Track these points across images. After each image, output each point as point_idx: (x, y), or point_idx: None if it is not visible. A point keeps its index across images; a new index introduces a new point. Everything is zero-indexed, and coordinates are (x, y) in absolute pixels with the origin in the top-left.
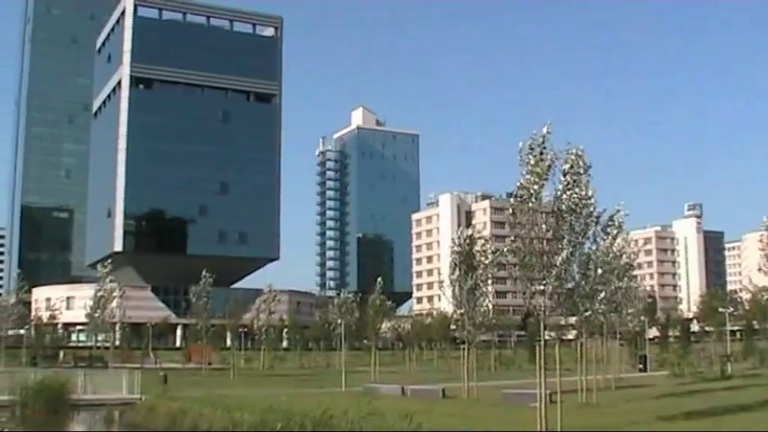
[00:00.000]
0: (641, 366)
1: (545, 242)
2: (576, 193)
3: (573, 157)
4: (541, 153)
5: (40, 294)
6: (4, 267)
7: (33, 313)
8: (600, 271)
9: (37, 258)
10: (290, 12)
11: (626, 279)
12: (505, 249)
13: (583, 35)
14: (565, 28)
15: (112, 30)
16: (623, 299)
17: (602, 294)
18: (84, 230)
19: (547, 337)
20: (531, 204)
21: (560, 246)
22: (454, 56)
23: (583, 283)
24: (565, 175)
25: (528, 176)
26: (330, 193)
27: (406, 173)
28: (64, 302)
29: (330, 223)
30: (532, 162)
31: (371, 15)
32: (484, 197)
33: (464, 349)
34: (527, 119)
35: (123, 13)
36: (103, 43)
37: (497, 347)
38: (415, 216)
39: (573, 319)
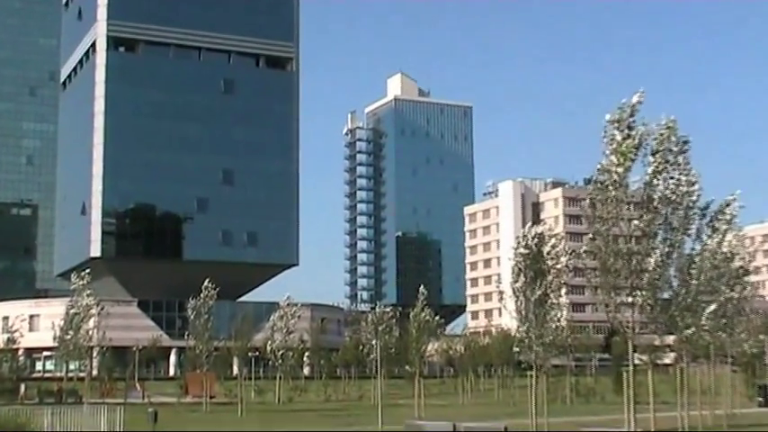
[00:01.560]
0: (761, 400)
1: (633, 240)
2: (674, 178)
3: (663, 130)
4: (629, 128)
5: None
6: None
7: None
8: (705, 277)
9: None
10: None
11: (739, 287)
12: (583, 250)
13: None
14: None
15: None
16: (735, 312)
17: (709, 307)
18: (52, 231)
19: (637, 362)
20: (614, 193)
21: (653, 245)
22: (514, 10)
23: (683, 292)
24: (654, 155)
25: (612, 157)
26: (362, 182)
27: (456, 155)
28: (26, 322)
29: (362, 219)
30: (618, 139)
31: None
32: (555, 185)
33: (531, 376)
34: (610, 87)
35: None
36: None
37: (574, 374)
38: (468, 209)
39: (670, 339)
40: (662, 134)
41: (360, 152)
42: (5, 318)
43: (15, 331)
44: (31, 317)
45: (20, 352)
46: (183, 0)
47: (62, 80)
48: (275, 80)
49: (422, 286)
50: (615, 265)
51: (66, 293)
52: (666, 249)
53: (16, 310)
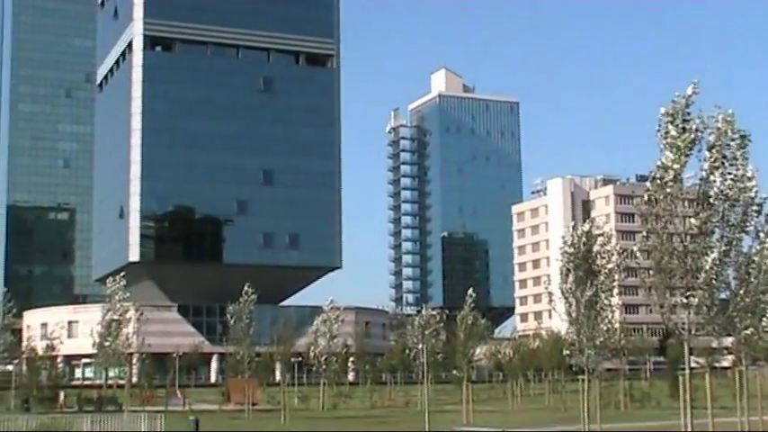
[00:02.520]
0: None
1: (689, 238)
2: (731, 174)
3: (719, 124)
4: (685, 121)
5: (33, 319)
6: None
7: (25, 343)
8: (765, 277)
9: (29, 273)
10: None
11: None
12: (635, 249)
13: None
14: None
15: None
16: None
17: None
18: (90, 236)
19: (693, 365)
20: (670, 189)
21: (710, 243)
22: (563, 3)
23: (742, 292)
24: (711, 150)
25: (667, 152)
26: (406, 181)
27: (503, 152)
28: (65, 329)
29: (407, 220)
30: (674, 133)
31: None
32: (606, 182)
33: (583, 381)
34: (662, 81)
35: None
36: None
37: (628, 378)
38: (516, 208)
39: (729, 341)
40: (719, 128)
41: (403, 150)
42: (44, 324)
43: (54, 338)
44: (70, 323)
45: (59, 359)
46: None
47: (98, 81)
48: (316, 77)
49: (470, 288)
50: (670, 265)
51: (104, 299)
52: (724, 248)
53: (55, 316)
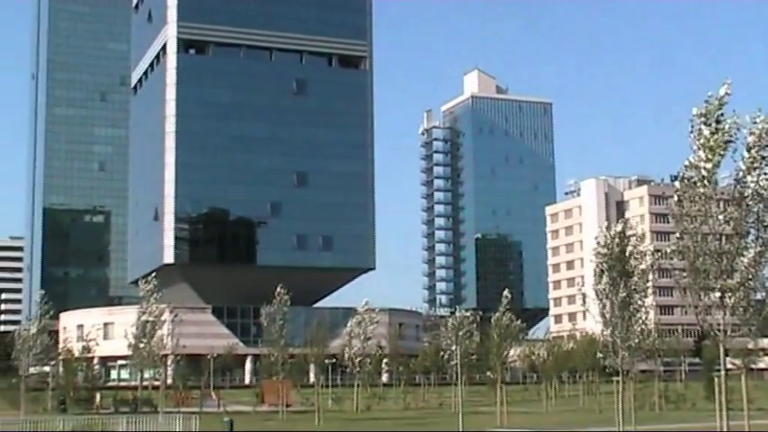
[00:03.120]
0: None
1: (724, 239)
2: (766, 174)
3: (761, 125)
4: (718, 122)
5: (69, 321)
6: (24, 287)
7: (61, 345)
8: None
9: (65, 275)
10: None
11: None
12: (669, 250)
13: None
14: None
15: None
16: None
17: None
18: (125, 238)
19: (729, 366)
20: (703, 190)
21: (745, 243)
22: (594, 4)
23: None
24: (749, 150)
25: (700, 152)
26: (439, 183)
27: (536, 153)
28: (100, 330)
29: (440, 221)
30: (706, 134)
31: None
32: (640, 182)
33: (618, 382)
34: (695, 81)
35: None
36: None
37: (663, 380)
38: (550, 209)
39: (765, 342)
40: (760, 129)
41: (436, 152)
42: (80, 326)
43: (90, 340)
44: (105, 325)
45: (95, 360)
46: (253, 0)
47: (133, 84)
48: (348, 79)
49: (505, 290)
50: (705, 265)
51: (139, 300)
52: (759, 248)
53: (90, 318)
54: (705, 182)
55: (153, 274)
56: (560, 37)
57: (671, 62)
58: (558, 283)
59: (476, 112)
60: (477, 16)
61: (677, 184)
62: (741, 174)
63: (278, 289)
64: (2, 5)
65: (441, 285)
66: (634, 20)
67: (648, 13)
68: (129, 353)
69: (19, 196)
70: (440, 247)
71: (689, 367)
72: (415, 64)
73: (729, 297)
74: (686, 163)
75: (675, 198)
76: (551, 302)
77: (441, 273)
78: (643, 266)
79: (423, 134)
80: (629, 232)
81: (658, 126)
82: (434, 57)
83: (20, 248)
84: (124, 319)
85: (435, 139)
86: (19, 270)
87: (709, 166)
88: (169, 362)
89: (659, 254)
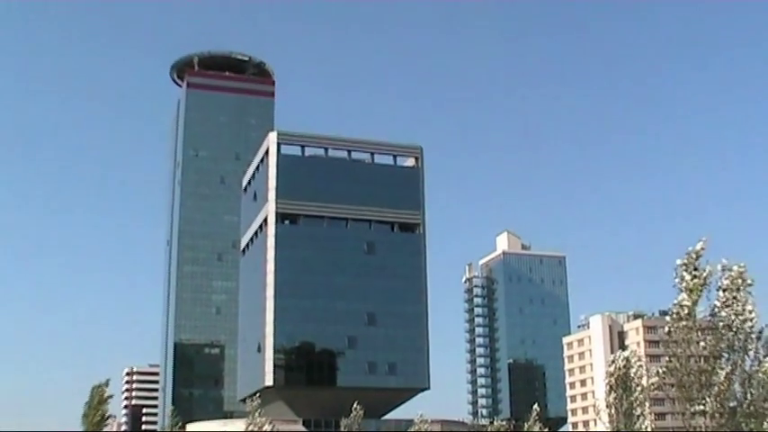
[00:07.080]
0: None
1: (703, 360)
2: (734, 309)
3: (734, 274)
4: (695, 269)
5: (193, 430)
6: (159, 404)
7: None
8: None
9: (190, 394)
10: (430, 140)
11: None
12: (661, 370)
13: None
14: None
15: (257, 168)
16: None
17: None
18: (236, 366)
19: None
20: (685, 322)
21: (720, 364)
22: (595, 178)
23: (746, 402)
24: (723, 291)
25: (683, 294)
26: (478, 320)
27: (554, 296)
28: None
29: (480, 350)
30: (687, 278)
31: (508, 141)
32: (636, 316)
33: None
34: (675, 234)
35: (267, 152)
36: (249, 182)
37: None
38: (566, 339)
39: None
40: (734, 275)
41: (476, 296)
42: None
43: None
44: None
45: None
46: (334, 181)
47: (242, 248)
48: (407, 241)
49: (535, 404)
50: (688, 381)
51: (246, 414)
52: (730, 368)
53: (209, 428)
54: (687, 316)
55: (257, 395)
56: (572, 198)
57: (657, 218)
58: (574, 397)
59: (506, 265)
60: (506, 190)
61: (668, 318)
62: (716, 309)
63: (354, 405)
64: (147, 192)
65: (481, 400)
66: (631, 183)
67: (637, 184)
68: None
69: (156, 333)
70: (480, 370)
71: None
72: (459, 227)
73: (708, 406)
74: (674, 302)
75: (666, 329)
76: (569, 412)
77: (481, 390)
78: (643, 383)
79: (465, 282)
80: (634, 360)
81: (650, 271)
82: (473, 220)
83: (156, 373)
84: (236, 429)
85: (475, 286)
86: (155, 390)
87: (689, 303)
88: None
89: (659, 375)
